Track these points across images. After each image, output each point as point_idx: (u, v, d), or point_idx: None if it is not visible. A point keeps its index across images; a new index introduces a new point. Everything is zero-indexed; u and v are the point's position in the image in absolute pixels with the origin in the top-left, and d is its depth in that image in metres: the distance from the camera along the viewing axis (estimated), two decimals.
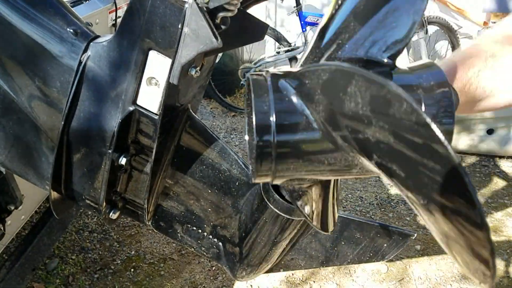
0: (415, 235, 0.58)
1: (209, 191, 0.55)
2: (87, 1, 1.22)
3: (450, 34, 2.68)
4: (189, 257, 1.60)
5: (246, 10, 0.56)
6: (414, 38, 2.59)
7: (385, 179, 0.29)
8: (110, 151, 0.47)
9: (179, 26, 0.40)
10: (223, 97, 2.92)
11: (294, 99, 0.30)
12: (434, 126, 0.22)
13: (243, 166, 0.54)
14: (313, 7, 2.89)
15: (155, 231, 0.58)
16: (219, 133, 2.67)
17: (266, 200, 0.48)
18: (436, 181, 0.23)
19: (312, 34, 2.84)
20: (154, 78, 0.45)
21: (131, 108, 0.46)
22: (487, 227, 0.23)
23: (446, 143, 0.22)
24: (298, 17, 2.64)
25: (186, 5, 0.39)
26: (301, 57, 0.36)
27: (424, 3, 0.33)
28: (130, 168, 0.51)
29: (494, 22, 2.66)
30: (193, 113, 0.54)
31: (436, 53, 2.88)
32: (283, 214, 0.47)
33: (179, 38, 0.41)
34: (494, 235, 1.81)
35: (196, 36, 0.40)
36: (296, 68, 0.32)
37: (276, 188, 0.48)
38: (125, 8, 0.46)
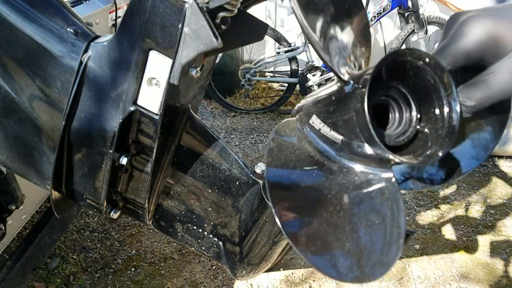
0: (415, 234, 0.57)
1: (210, 190, 0.55)
2: (87, 1, 1.22)
3: None
4: (189, 257, 1.60)
5: (246, 10, 0.56)
6: (414, 38, 2.59)
7: None
8: (111, 151, 0.47)
9: (179, 26, 0.40)
10: (223, 97, 2.92)
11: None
12: None
13: (243, 166, 0.54)
14: None
15: (156, 230, 0.58)
16: (219, 133, 2.68)
17: (266, 199, 0.48)
18: None
19: None
20: (154, 78, 0.45)
21: (132, 109, 0.46)
22: None
23: None
24: None
25: (186, 5, 0.39)
26: None
27: None
28: (130, 168, 0.51)
29: None
30: (194, 113, 0.54)
31: None
32: None
33: (179, 38, 0.41)
34: (493, 234, 1.82)
35: (197, 36, 0.40)
36: None
37: None
38: (125, 8, 0.46)
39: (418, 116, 0.33)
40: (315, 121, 0.36)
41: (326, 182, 0.34)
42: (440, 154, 0.30)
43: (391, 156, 0.30)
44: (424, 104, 0.32)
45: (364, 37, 0.40)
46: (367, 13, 2.57)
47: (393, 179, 0.34)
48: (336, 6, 0.38)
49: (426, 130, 0.33)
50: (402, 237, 0.33)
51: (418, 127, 0.33)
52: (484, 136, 0.38)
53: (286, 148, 0.36)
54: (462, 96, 0.32)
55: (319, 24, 0.36)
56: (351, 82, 0.33)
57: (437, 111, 0.31)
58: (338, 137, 0.34)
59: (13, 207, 0.77)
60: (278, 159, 0.35)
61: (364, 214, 0.34)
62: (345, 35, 0.38)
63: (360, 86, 0.31)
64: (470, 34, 0.31)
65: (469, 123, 0.36)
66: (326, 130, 0.35)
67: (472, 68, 0.33)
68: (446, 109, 0.31)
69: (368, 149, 0.31)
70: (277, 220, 0.31)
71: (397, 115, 0.33)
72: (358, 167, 0.35)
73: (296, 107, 0.42)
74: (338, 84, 0.35)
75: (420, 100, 0.32)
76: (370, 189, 0.34)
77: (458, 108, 0.30)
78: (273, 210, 0.31)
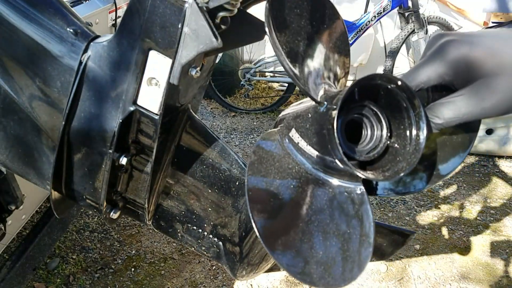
0: (415, 234, 0.58)
1: (209, 190, 0.55)
2: (87, 1, 1.22)
3: None
4: (189, 257, 1.60)
5: (246, 10, 0.56)
6: (414, 38, 2.59)
7: None
8: (110, 151, 0.47)
9: (179, 26, 0.40)
10: (223, 97, 2.93)
11: None
12: None
13: (243, 166, 0.54)
14: None
15: (156, 230, 0.58)
16: (219, 133, 2.68)
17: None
18: None
19: None
20: (154, 78, 0.45)
21: (132, 108, 0.46)
22: None
23: None
24: None
25: (186, 5, 0.39)
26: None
27: None
28: (130, 168, 0.51)
29: (494, 22, 2.66)
30: (194, 113, 0.54)
31: None
32: None
33: (179, 38, 0.41)
34: (493, 234, 1.82)
35: (196, 36, 0.40)
36: None
37: None
38: (125, 8, 0.46)
39: (388, 134, 0.35)
40: (294, 134, 0.38)
41: (303, 194, 0.37)
42: (406, 170, 0.33)
43: (358, 173, 0.32)
44: (394, 121, 0.35)
45: (339, 45, 0.42)
46: (367, 13, 2.57)
47: (363, 192, 0.37)
48: (313, 26, 0.39)
49: (396, 145, 0.35)
50: (371, 246, 0.36)
51: (388, 142, 0.35)
52: (458, 141, 0.40)
53: (266, 160, 0.38)
54: (431, 113, 0.34)
55: (294, 46, 0.38)
56: (325, 103, 0.35)
57: (405, 129, 0.34)
58: (314, 152, 0.36)
59: (13, 207, 0.77)
60: (258, 172, 0.37)
61: (336, 224, 0.36)
62: (320, 52, 0.40)
63: (334, 106, 0.33)
64: (446, 56, 0.33)
65: (444, 130, 0.38)
66: (303, 144, 0.37)
67: (444, 87, 0.35)
68: (414, 129, 0.33)
69: (340, 165, 0.34)
70: (255, 229, 0.33)
71: (369, 131, 0.36)
72: (331, 180, 0.37)
73: (279, 117, 0.44)
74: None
75: (391, 118, 0.35)
76: (342, 200, 0.37)
77: (425, 129, 0.33)
78: (252, 220, 0.32)
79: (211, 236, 0.57)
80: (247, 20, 0.51)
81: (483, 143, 2.28)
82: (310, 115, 0.37)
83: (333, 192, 0.37)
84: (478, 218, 1.91)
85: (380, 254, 0.58)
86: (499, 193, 2.08)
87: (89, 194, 0.53)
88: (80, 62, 0.46)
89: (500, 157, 2.35)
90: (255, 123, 2.79)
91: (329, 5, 0.41)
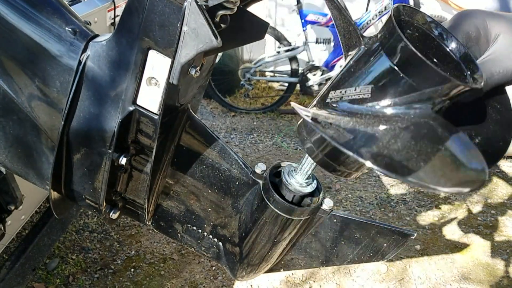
0: (415, 235, 0.58)
1: (209, 190, 0.54)
2: (86, 0, 1.22)
3: None
4: (189, 257, 1.60)
5: (246, 8, 0.56)
6: None
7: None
8: (110, 151, 0.47)
9: (179, 25, 0.40)
10: (223, 97, 2.92)
11: None
12: None
13: (243, 166, 0.54)
14: (314, 6, 2.89)
15: (155, 231, 0.58)
16: (219, 133, 2.68)
17: (266, 200, 0.48)
18: None
19: (312, 33, 2.83)
20: (154, 78, 0.44)
21: (131, 108, 0.46)
22: None
23: None
24: (298, 15, 2.64)
25: (185, 4, 0.39)
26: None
27: None
28: (130, 168, 0.51)
29: None
30: (193, 113, 0.54)
31: None
32: (283, 214, 0.47)
33: (179, 37, 0.40)
34: (494, 235, 1.82)
35: (196, 35, 0.39)
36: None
37: (276, 188, 0.48)
38: (123, 6, 0.46)
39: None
40: (333, 95, 0.36)
41: (393, 129, 0.33)
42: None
43: (447, 76, 0.30)
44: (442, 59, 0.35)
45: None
46: (369, 11, 2.56)
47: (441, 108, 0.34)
48: None
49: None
50: (475, 147, 0.32)
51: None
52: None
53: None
54: None
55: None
56: (376, 42, 0.35)
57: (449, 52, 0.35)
58: (367, 88, 0.33)
59: (12, 208, 0.77)
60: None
61: (431, 141, 0.32)
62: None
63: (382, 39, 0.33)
64: (468, 18, 0.39)
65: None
66: (350, 91, 0.35)
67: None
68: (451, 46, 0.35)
69: (401, 82, 0.31)
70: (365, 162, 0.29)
71: None
72: (405, 110, 0.33)
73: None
74: (350, 56, 0.37)
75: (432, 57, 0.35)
76: (422, 121, 0.33)
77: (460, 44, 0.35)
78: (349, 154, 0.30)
79: (211, 236, 0.57)
80: (247, 19, 0.51)
81: None
82: (350, 63, 0.36)
83: (409, 116, 0.32)
84: (478, 218, 1.91)
85: (380, 254, 0.58)
86: (499, 193, 2.08)
87: (88, 194, 0.52)
88: (79, 62, 0.46)
89: None
90: (255, 123, 2.78)
91: None
